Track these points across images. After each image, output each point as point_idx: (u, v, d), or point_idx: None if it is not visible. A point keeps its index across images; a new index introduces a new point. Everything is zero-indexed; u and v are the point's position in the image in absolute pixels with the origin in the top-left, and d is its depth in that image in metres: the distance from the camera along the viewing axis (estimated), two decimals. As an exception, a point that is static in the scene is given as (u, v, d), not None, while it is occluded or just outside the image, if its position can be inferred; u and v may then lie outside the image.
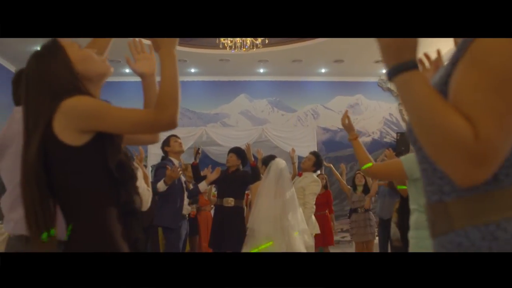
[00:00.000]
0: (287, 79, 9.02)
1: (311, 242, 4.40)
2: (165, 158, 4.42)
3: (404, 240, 2.98)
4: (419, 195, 2.12)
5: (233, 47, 6.36)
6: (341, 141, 8.73)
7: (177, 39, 1.28)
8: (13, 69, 7.58)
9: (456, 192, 0.81)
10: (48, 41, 1.29)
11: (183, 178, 4.40)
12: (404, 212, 3.21)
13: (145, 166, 5.67)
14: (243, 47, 6.35)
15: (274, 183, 4.18)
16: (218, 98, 9.02)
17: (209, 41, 7.12)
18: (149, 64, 1.51)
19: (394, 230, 4.29)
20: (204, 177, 4.62)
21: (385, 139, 9.01)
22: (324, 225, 5.44)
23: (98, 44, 1.63)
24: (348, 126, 2.42)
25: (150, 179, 3.64)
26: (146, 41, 1.45)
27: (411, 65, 0.79)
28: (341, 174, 6.08)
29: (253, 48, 6.39)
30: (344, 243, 8.10)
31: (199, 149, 4.96)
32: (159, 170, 4.17)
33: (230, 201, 4.61)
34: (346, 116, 2.44)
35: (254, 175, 4.70)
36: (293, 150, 5.71)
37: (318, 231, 4.83)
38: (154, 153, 6.87)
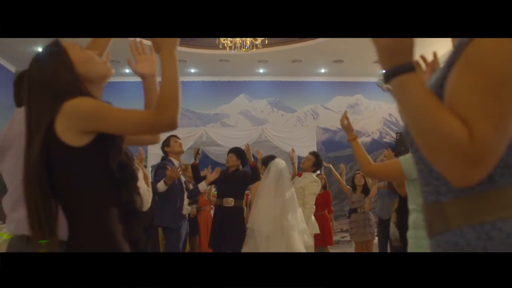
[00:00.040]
0: (286, 79, 9.03)
1: (311, 242, 4.41)
2: (165, 158, 4.42)
3: (403, 240, 2.99)
4: (417, 195, 2.13)
5: (232, 47, 6.37)
6: (340, 141, 8.73)
7: (178, 41, 1.29)
8: (13, 69, 7.58)
9: (452, 192, 0.82)
10: (50, 43, 1.30)
11: (183, 178, 4.41)
12: (403, 212, 3.22)
13: (145, 167, 5.68)
14: (243, 48, 6.35)
15: (274, 183, 4.19)
16: (218, 98, 9.02)
17: (209, 41, 7.13)
18: (150, 65, 1.52)
19: (393, 230, 4.30)
20: (204, 178, 4.63)
21: (384, 139, 9.02)
22: (323, 225, 5.44)
23: (98, 44, 1.64)
24: (347, 127, 2.43)
25: (150, 180, 3.66)
26: (146, 42, 1.46)
27: (408, 67, 0.80)
28: (340, 174, 6.08)
29: (252, 48, 6.40)
30: (344, 243, 8.10)
31: (199, 149, 4.97)
32: (159, 171, 4.18)
33: (230, 201, 4.61)
34: (345, 116, 2.45)
35: (253, 175, 4.70)
36: (293, 150, 5.71)
37: (318, 231, 4.83)
38: (154, 153, 6.88)
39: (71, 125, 1.17)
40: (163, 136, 3.85)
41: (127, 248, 1.21)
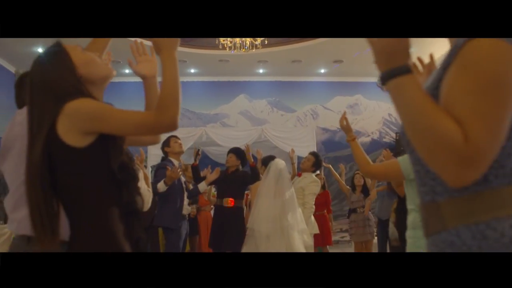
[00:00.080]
0: (286, 79, 9.03)
1: (310, 242, 4.42)
2: (165, 158, 4.43)
3: (402, 239, 3.00)
4: (416, 196, 2.13)
5: (232, 47, 6.37)
6: (340, 141, 8.73)
7: (178, 42, 1.29)
8: (12, 69, 7.58)
9: (448, 192, 0.83)
10: (51, 45, 1.31)
11: (183, 179, 4.42)
12: (401, 212, 3.22)
13: (145, 167, 5.69)
14: (243, 48, 6.35)
15: (274, 183, 4.20)
16: (218, 99, 9.02)
17: (208, 41, 7.13)
18: (150, 66, 1.53)
19: (392, 230, 4.30)
20: (204, 178, 4.63)
21: (384, 139, 9.02)
22: (322, 225, 5.45)
23: (98, 45, 1.65)
24: (346, 128, 2.43)
25: (150, 180, 3.66)
26: (147, 43, 1.46)
27: (404, 69, 0.82)
28: (340, 175, 6.08)
29: (252, 48, 6.40)
30: (344, 243, 8.11)
31: (199, 150, 4.98)
32: (159, 171, 4.18)
33: (229, 201, 4.62)
34: (344, 117, 2.46)
35: (253, 176, 4.71)
36: (293, 151, 5.72)
37: (317, 231, 4.84)
38: (154, 153, 6.88)
39: (73, 126, 1.18)
40: (163, 136, 3.84)
41: (128, 248, 1.22)
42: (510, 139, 0.78)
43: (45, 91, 1.23)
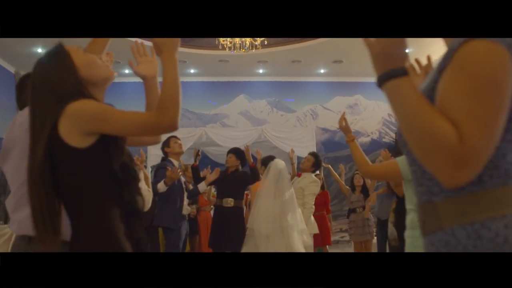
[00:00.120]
0: (286, 79, 9.03)
1: (310, 242, 4.42)
2: (165, 159, 4.44)
3: (401, 239, 3.00)
4: (414, 196, 2.14)
5: (232, 48, 6.36)
6: (340, 141, 8.73)
7: (179, 43, 1.30)
8: (12, 69, 7.58)
9: (444, 192, 0.85)
10: (53, 47, 1.32)
11: (183, 179, 4.42)
12: (400, 212, 3.23)
13: (145, 167, 5.69)
14: (242, 48, 6.35)
15: (273, 183, 4.21)
16: (218, 99, 9.03)
17: (208, 42, 7.13)
18: (151, 67, 1.54)
19: (391, 230, 4.31)
20: (204, 178, 4.64)
21: (384, 139, 9.03)
22: (322, 225, 5.45)
23: (97, 45, 1.65)
24: (345, 128, 2.44)
25: (150, 180, 3.67)
26: (147, 43, 1.47)
27: (401, 72, 0.83)
28: (340, 175, 6.09)
29: (252, 49, 6.40)
30: (343, 243, 8.11)
31: (199, 151, 4.99)
32: (159, 171, 4.19)
33: (229, 202, 4.63)
34: (343, 118, 2.46)
35: (253, 176, 4.72)
36: (292, 151, 5.72)
37: (317, 231, 4.85)
38: (154, 154, 6.87)
39: (74, 127, 1.19)
40: (163, 137, 3.84)
41: (129, 248, 1.23)
42: (504, 140, 0.80)
43: (47, 92, 1.25)
